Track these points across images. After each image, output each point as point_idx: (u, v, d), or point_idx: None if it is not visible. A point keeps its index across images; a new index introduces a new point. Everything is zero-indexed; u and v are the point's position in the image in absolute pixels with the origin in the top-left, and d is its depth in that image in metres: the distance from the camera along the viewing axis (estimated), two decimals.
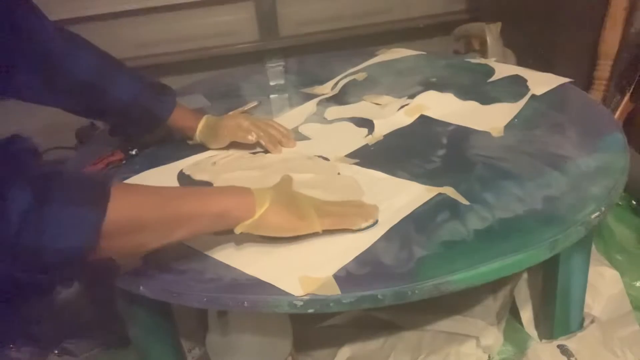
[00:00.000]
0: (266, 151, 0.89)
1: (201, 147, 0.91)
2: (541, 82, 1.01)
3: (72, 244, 0.47)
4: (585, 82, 1.30)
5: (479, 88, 1.04)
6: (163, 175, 0.84)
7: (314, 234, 0.64)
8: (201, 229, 0.58)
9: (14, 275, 0.51)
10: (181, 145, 0.92)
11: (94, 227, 0.48)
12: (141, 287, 0.62)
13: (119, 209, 0.49)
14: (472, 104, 0.97)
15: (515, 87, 1.02)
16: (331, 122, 0.98)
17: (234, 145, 0.90)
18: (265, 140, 0.88)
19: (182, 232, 0.56)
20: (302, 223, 0.62)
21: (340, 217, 0.64)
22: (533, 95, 0.97)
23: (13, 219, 0.44)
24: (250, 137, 0.88)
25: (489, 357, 0.89)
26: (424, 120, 0.94)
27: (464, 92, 1.01)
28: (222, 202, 0.58)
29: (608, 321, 0.89)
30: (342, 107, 1.04)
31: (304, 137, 0.94)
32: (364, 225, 0.64)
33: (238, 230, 0.59)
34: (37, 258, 0.47)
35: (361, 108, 1.01)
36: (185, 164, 0.87)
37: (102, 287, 0.92)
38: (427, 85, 1.06)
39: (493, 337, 0.90)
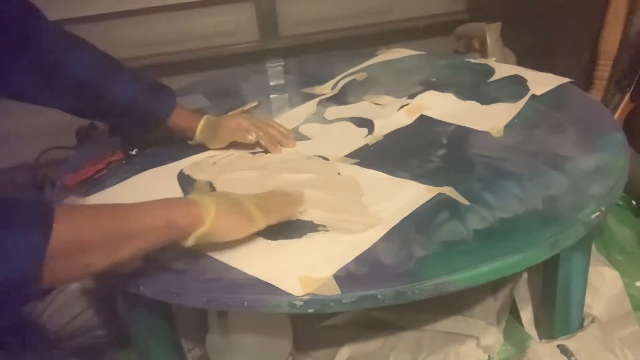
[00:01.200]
0: (266, 151, 0.89)
1: (201, 147, 0.91)
2: (541, 82, 1.01)
3: (18, 271, 0.46)
4: (585, 82, 1.30)
5: (479, 88, 1.04)
6: (163, 175, 0.84)
7: (313, 234, 0.64)
8: (148, 244, 0.56)
9: None
10: (181, 145, 0.92)
11: (39, 252, 0.46)
12: (141, 287, 0.62)
13: (63, 230, 0.48)
14: (472, 104, 0.97)
15: (515, 87, 1.02)
16: (331, 122, 0.98)
17: (233, 145, 0.90)
18: (265, 140, 0.88)
19: (128, 248, 0.54)
20: (250, 224, 0.62)
21: (280, 211, 0.66)
22: (533, 95, 0.97)
23: None
24: (250, 137, 0.88)
25: (489, 357, 0.89)
26: (424, 120, 0.94)
27: (464, 92, 1.01)
28: (167, 214, 0.56)
29: (608, 321, 0.89)
30: (342, 107, 1.04)
31: (304, 137, 0.93)
32: (300, 212, 0.68)
33: (190, 241, 0.58)
34: None
35: (361, 108, 1.01)
36: (185, 164, 0.87)
37: (102, 286, 0.92)
38: (427, 85, 1.06)
39: (493, 337, 0.90)
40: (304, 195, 0.70)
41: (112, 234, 0.52)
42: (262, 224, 0.63)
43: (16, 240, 0.45)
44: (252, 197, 0.66)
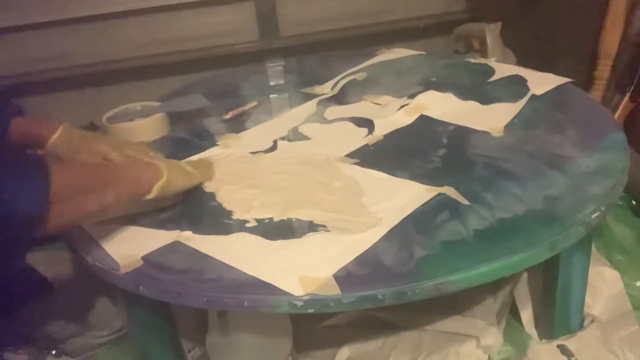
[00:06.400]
0: (266, 151, 0.89)
1: (201, 147, 0.91)
2: (541, 82, 1.01)
3: (28, 213, 0.54)
4: (585, 82, 1.30)
5: (479, 88, 1.04)
6: None
7: (313, 234, 0.65)
8: (124, 192, 0.66)
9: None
10: (181, 145, 0.92)
11: (45, 195, 0.54)
12: (141, 287, 0.62)
13: (60, 177, 0.57)
14: (472, 104, 0.97)
15: (515, 87, 1.02)
16: (331, 122, 0.98)
17: (233, 145, 0.90)
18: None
19: (110, 194, 0.63)
20: (192, 177, 0.76)
21: (207, 173, 0.80)
22: (533, 95, 0.97)
23: None
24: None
25: (489, 357, 0.89)
26: (424, 120, 0.94)
27: (464, 92, 1.01)
28: (135, 169, 0.69)
29: (608, 321, 0.89)
30: (342, 107, 1.04)
31: (304, 137, 0.93)
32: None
33: (154, 192, 0.68)
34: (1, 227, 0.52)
35: (361, 108, 1.01)
36: None
37: (102, 286, 0.92)
38: (427, 85, 1.06)
39: (493, 337, 0.90)
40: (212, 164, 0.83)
41: (99, 179, 0.63)
42: (199, 179, 0.77)
43: (24, 188, 0.54)
44: (185, 162, 0.79)
